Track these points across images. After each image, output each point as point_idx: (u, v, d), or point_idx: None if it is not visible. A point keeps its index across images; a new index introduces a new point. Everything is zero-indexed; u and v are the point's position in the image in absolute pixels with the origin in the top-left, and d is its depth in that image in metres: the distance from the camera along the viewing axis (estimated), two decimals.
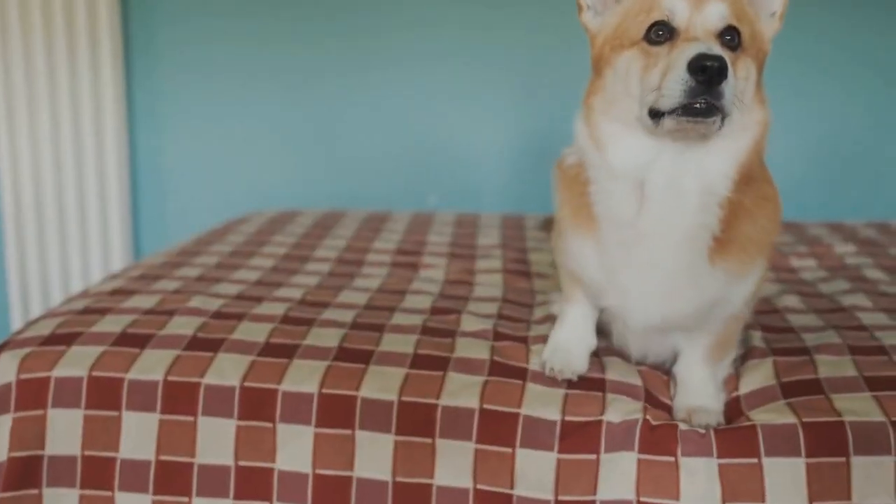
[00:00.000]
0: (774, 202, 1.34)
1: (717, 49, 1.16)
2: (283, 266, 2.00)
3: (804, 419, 1.28)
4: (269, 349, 1.47)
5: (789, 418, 1.28)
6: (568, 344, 1.44)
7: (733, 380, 1.45)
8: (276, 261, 2.04)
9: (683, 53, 1.15)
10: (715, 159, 1.25)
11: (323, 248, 2.17)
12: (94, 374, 1.43)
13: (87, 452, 1.41)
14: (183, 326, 1.54)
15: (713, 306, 1.33)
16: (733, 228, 1.28)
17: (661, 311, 1.32)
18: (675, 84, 1.15)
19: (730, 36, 1.22)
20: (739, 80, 1.21)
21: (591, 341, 1.46)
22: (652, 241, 1.27)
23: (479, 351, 1.46)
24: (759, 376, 1.42)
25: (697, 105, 1.15)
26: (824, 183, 2.98)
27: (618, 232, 1.29)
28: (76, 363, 1.45)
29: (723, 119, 1.17)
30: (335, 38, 3.03)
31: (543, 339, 1.52)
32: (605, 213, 1.30)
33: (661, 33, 1.22)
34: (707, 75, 1.13)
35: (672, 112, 1.17)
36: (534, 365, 1.43)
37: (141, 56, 3.07)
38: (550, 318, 1.64)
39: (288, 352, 1.46)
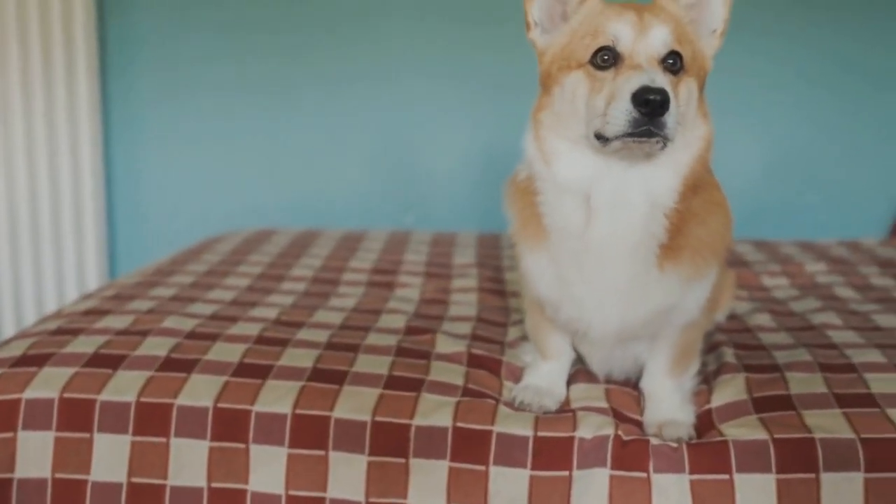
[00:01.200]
0: (724, 207, 1.39)
1: (659, 79, 1.19)
2: (259, 285, 2.00)
3: (775, 435, 1.29)
4: (242, 370, 1.47)
5: (760, 434, 1.29)
6: (539, 385, 1.46)
7: (704, 393, 1.47)
8: (251, 280, 2.04)
9: (628, 84, 1.19)
10: (660, 173, 1.29)
11: (299, 268, 2.17)
12: (66, 395, 1.42)
13: (57, 475, 1.39)
14: (156, 347, 1.53)
15: (668, 312, 1.36)
16: (683, 235, 1.31)
17: (618, 319, 1.35)
18: (619, 114, 1.19)
19: (672, 60, 1.26)
20: (681, 104, 1.25)
21: (561, 392, 1.47)
22: (600, 252, 1.30)
23: (453, 377, 1.47)
24: (730, 391, 1.44)
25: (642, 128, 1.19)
26: (800, 199, 3.01)
27: (567, 243, 1.32)
28: (47, 385, 1.44)
29: (665, 143, 1.22)
30: (312, 58, 3.04)
31: (516, 370, 1.54)
32: (554, 225, 1.33)
33: (607, 58, 1.25)
34: (650, 108, 1.17)
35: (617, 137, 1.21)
36: (505, 398, 1.44)
37: (117, 73, 3.07)
38: (524, 339, 1.65)
39: (262, 372, 1.46)
